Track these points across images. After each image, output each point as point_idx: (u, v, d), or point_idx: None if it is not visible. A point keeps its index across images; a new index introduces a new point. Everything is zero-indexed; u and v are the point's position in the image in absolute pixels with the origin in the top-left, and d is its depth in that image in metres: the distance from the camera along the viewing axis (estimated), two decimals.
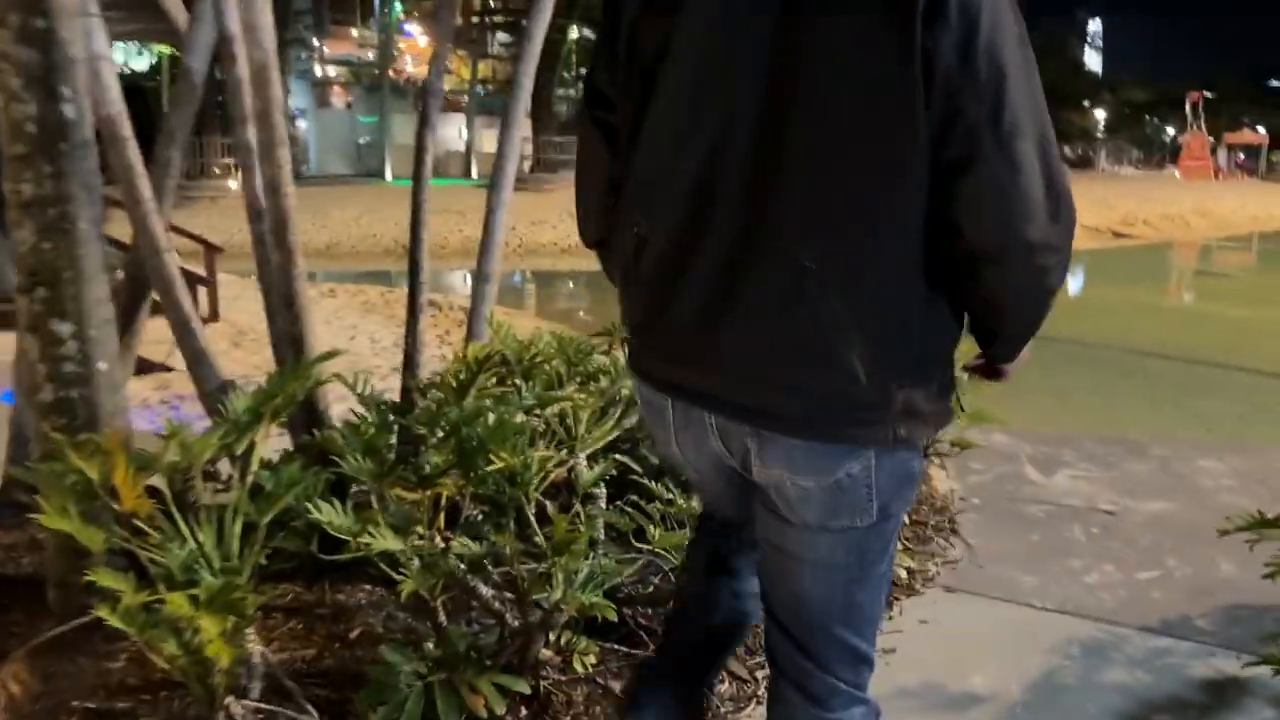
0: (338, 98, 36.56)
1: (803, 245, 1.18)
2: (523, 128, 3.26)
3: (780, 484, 1.32)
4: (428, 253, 2.98)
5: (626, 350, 1.52)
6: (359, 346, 7.84)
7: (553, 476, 2.05)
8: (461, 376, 2.40)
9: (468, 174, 32.95)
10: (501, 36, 38.06)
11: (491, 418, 2.03)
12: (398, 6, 36.45)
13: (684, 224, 1.28)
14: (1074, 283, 15.25)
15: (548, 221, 19.62)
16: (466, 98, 34.93)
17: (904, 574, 2.89)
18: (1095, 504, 3.60)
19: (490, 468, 1.92)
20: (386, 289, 11.24)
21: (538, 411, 2.35)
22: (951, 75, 1.11)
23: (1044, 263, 1.19)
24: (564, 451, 2.23)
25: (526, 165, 31.04)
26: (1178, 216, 22.97)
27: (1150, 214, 22.65)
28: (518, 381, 2.56)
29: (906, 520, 3.21)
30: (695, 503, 2.39)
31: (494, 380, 2.48)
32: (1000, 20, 1.11)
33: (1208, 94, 51.42)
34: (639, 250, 1.35)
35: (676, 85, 1.29)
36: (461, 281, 17.01)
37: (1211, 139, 50.58)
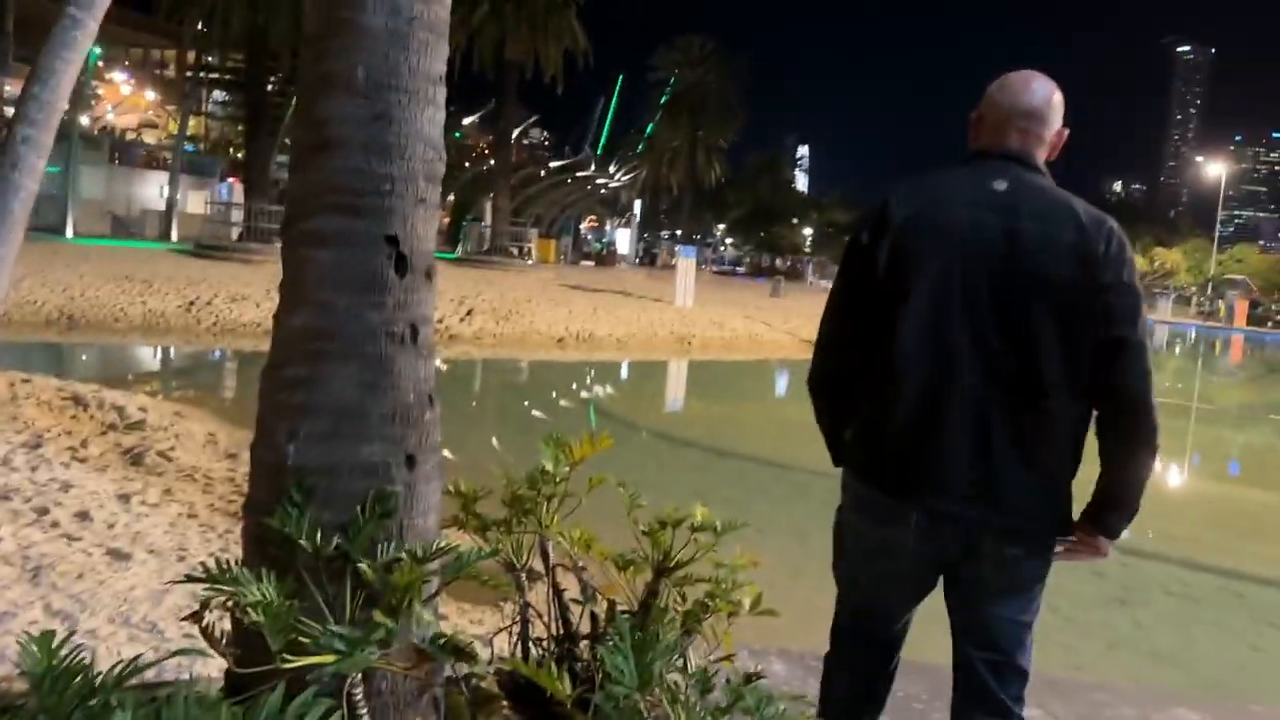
0: None
1: None
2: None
3: None
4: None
5: None
6: None
7: None
8: None
9: (167, 236, 29.74)
10: (218, 95, 35.30)
11: None
12: (96, 49, 32.87)
13: None
14: (780, 389, 15.47)
15: (251, 298, 17.53)
16: (171, 155, 31.74)
17: None
18: None
19: None
20: (23, 378, 8.99)
21: None
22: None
23: None
24: None
25: (235, 232, 28.48)
26: None
27: None
28: None
29: None
30: None
31: None
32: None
33: None
34: None
35: None
36: (131, 363, 14.63)
37: None
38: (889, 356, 1.93)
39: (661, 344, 21.26)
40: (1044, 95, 2.00)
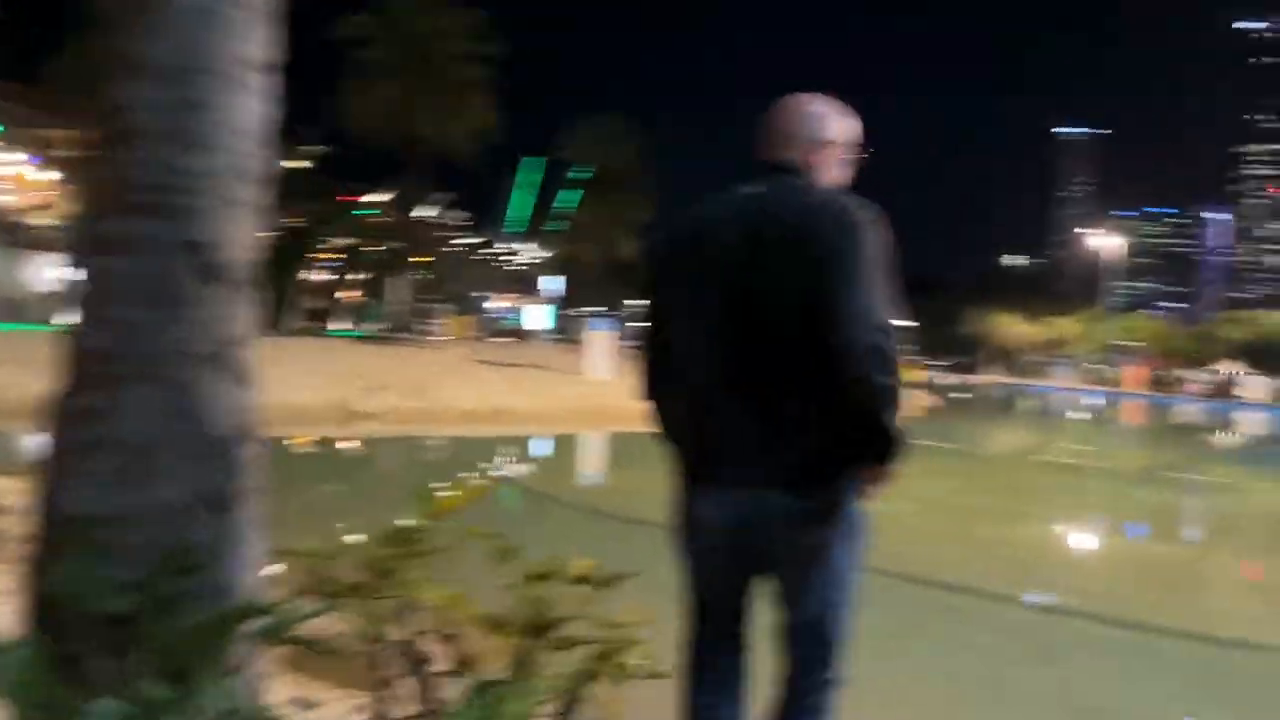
0: None
1: None
2: None
3: None
4: None
5: None
6: None
7: None
8: None
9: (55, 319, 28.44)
10: None
11: None
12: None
13: None
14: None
15: None
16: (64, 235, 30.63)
17: None
18: None
19: None
20: None
21: None
22: None
23: None
24: None
25: None
26: None
27: None
28: None
29: None
30: None
31: None
32: None
33: None
34: None
35: None
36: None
37: None
38: (669, 362, 2.24)
39: (575, 416, 20.93)
40: (807, 112, 2.26)
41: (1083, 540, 10.62)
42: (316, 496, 9.45)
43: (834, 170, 2.27)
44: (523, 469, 15.57)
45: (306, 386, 18.53)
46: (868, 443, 2.08)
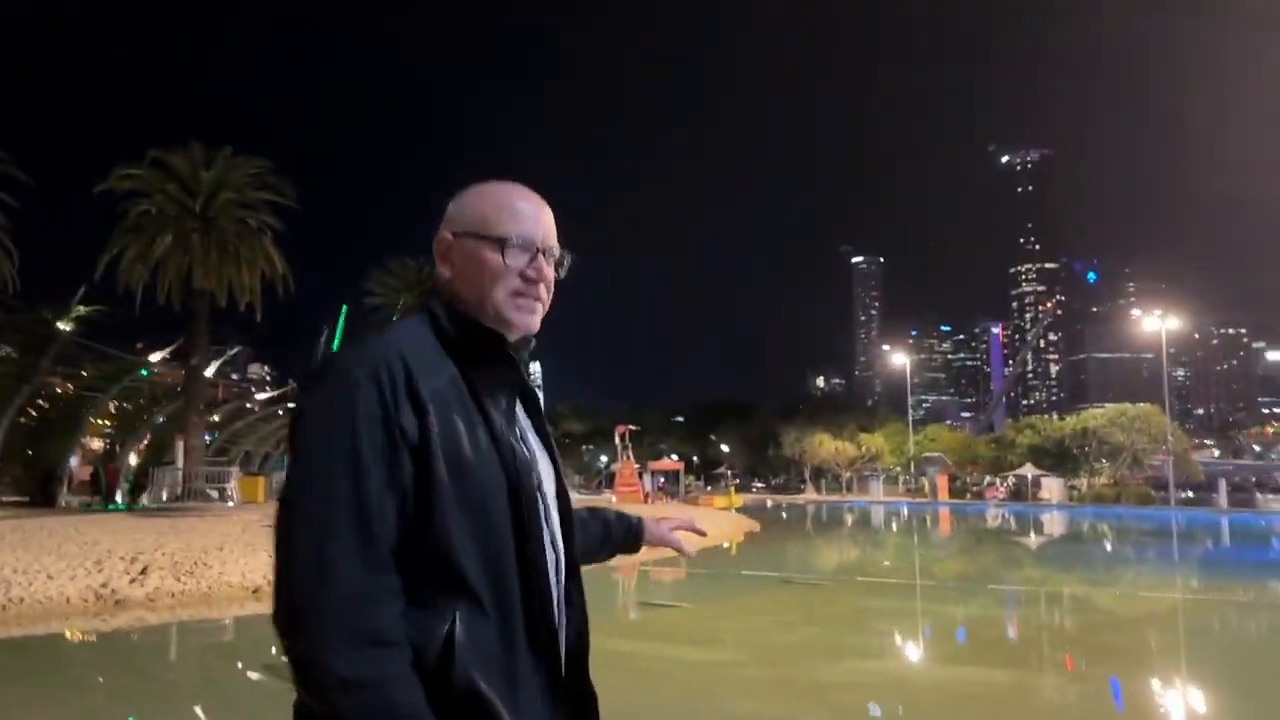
0: None
1: None
2: None
3: None
4: None
5: None
6: None
7: None
8: None
9: None
10: None
11: None
12: None
13: None
14: None
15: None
16: None
17: None
18: None
19: None
20: None
21: None
22: None
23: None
24: None
25: None
26: None
27: None
28: None
29: None
30: None
31: None
32: None
33: (633, 427, 58.07)
34: None
35: None
36: None
37: (638, 466, 56.57)
38: None
39: None
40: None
41: (913, 675, 9.98)
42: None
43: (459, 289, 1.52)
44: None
45: (62, 573, 16.19)
46: None
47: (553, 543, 1.46)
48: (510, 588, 1.35)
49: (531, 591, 1.37)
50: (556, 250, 1.53)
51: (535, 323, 1.50)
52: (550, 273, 1.52)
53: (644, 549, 2.04)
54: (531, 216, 1.50)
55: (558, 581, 1.45)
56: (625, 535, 1.97)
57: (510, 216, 1.48)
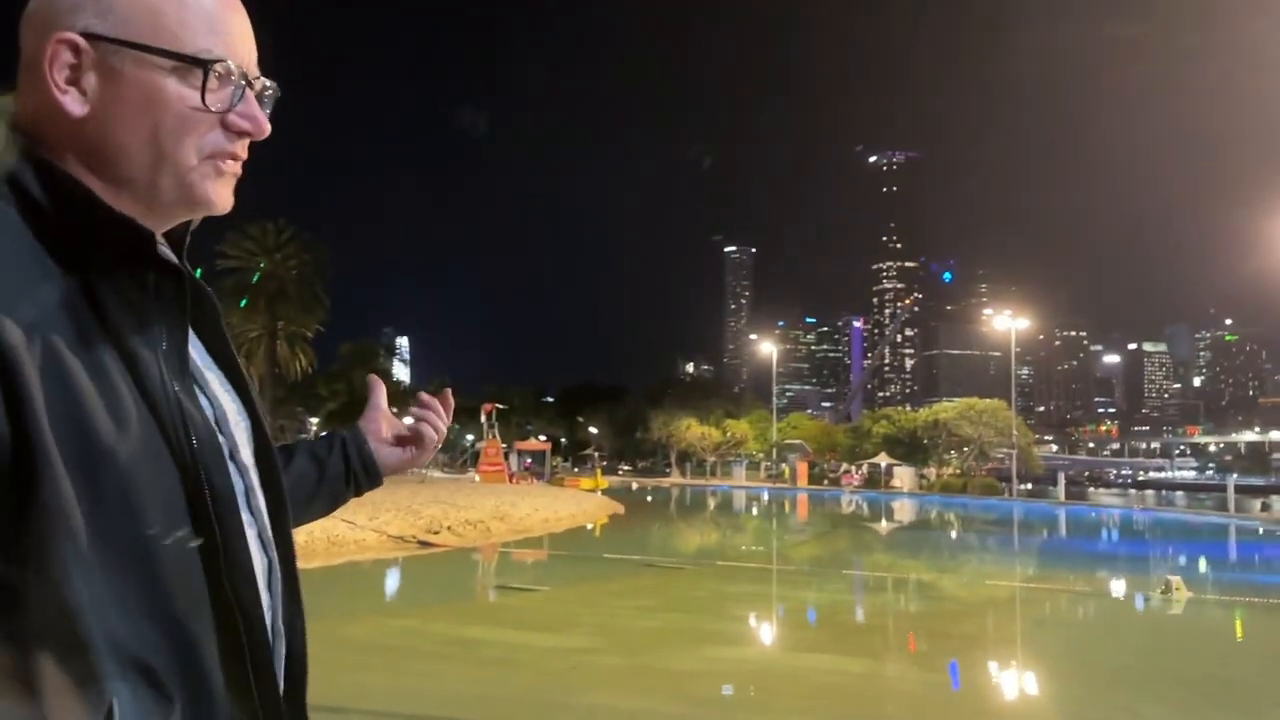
0: None
1: None
2: None
3: None
4: None
5: None
6: None
7: None
8: None
9: None
10: None
11: None
12: None
13: None
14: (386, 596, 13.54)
15: None
16: None
17: None
18: None
19: None
20: None
21: None
22: None
23: None
24: None
25: None
26: (479, 522, 23.28)
27: (455, 520, 22.58)
28: None
29: None
30: None
31: None
32: None
33: (500, 405, 57.29)
34: None
35: None
36: None
37: (505, 445, 55.90)
38: None
39: None
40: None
41: (769, 663, 10.02)
42: None
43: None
44: None
45: None
46: None
47: (262, 543, 0.95)
48: (199, 641, 0.82)
49: (238, 647, 0.86)
50: (260, 79, 0.96)
51: (231, 199, 0.96)
52: (266, 121, 0.96)
53: (385, 477, 1.43)
54: (234, 23, 0.93)
55: (271, 600, 0.94)
56: (346, 462, 1.37)
57: (203, 20, 0.90)
